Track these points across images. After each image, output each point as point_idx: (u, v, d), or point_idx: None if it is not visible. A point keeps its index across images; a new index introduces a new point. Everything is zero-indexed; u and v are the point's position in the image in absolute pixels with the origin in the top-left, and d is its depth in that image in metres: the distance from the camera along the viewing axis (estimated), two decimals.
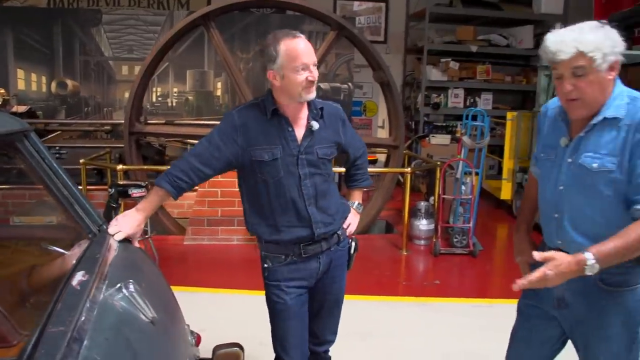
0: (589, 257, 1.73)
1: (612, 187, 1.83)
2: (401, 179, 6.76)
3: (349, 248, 2.47)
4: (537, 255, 1.80)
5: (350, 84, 9.21)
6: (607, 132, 1.85)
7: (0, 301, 1.92)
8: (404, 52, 10.36)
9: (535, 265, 2.07)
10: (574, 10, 9.32)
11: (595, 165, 1.85)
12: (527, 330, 2.19)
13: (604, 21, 1.82)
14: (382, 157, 7.98)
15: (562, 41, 1.79)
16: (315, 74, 2.16)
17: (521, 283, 1.79)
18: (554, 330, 2.11)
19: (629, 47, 7.41)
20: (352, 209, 2.54)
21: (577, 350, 2.08)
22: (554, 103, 2.10)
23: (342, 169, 2.70)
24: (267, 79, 2.21)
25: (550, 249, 2.00)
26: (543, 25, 10.13)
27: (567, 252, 1.86)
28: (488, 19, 9.61)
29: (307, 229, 2.26)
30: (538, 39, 9.90)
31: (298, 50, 2.12)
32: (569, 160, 1.93)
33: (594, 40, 1.76)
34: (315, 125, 2.25)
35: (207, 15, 6.08)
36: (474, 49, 9.17)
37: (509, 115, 7.26)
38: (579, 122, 1.92)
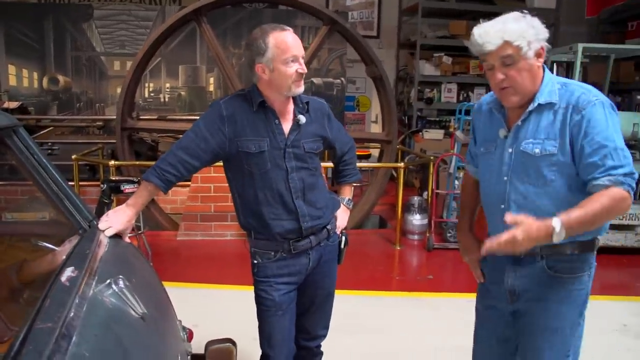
0: (556, 223, 1.75)
1: (555, 171, 1.88)
2: (394, 174, 6.76)
3: (339, 243, 2.47)
4: (508, 217, 1.79)
5: (343, 79, 9.20)
6: (544, 117, 1.90)
7: None
8: (397, 47, 10.36)
9: (485, 260, 2.17)
10: (567, 5, 9.35)
11: (537, 150, 1.89)
12: (486, 330, 2.22)
13: (526, 12, 1.88)
14: (375, 152, 7.98)
15: (488, 33, 1.85)
16: (304, 66, 2.17)
17: (489, 245, 1.80)
18: (512, 329, 2.12)
19: (621, 42, 7.46)
20: (342, 205, 2.54)
21: (520, 341, 2.10)
22: (487, 98, 2.15)
23: (331, 165, 2.69)
24: (254, 73, 2.20)
25: None
26: None
27: None
28: (481, 13, 9.53)
29: (294, 222, 2.25)
30: None
31: (288, 43, 2.12)
32: (510, 150, 1.97)
33: (517, 29, 1.82)
34: (303, 119, 2.25)
35: (199, 10, 6.06)
36: (467, 43, 9.16)
37: None
38: (515, 111, 1.97)
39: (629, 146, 5.78)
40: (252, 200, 2.26)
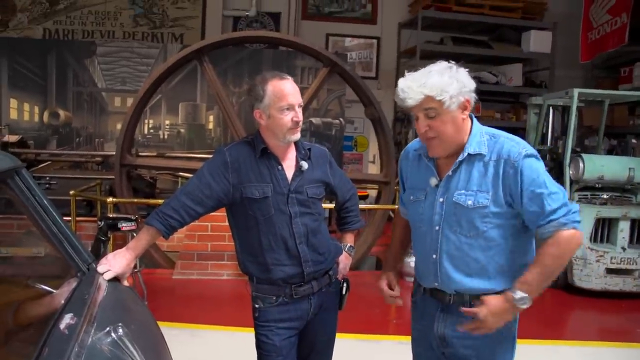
0: (515, 292, 1.85)
1: (488, 222, 1.91)
2: (392, 215, 6.76)
3: (341, 289, 2.46)
4: (465, 310, 1.92)
5: (341, 119, 9.28)
6: (475, 168, 1.93)
7: None
8: (395, 88, 10.48)
9: (415, 304, 2.19)
10: (562, 50, 9.54)
11: (470, 202, 1.92)
12: None
13: (452, 62, 1.92)
14: (373, 193, 7.99)
15: (410, 87, 1.89)
16: (300, 115, 2.21)
17: (463, 329, 1.92)
18: None
19: (614, 87, 7.59)
20: (344, 252, 2.54)
21: None
22: (414, 144, 2.16)
23: (332, 205, 2.70)
24: (255, 119, 2.25)
25: (425, 289, 2.10)
26: (532, 64, 10.35)
27: (444, 292, 2.01)
28: (478, 56, 9.79)
29: (296, 267, 2.25)
30: (527, 77, 10.09)
31: (285, 91, 2.17)
32: (441, 200, 1.98)
33: (439, 83, 1.85)
34: (305, 165, 2.28)
35: (201, 50, 6.15)
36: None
37: None
38: (445, 160, 1.99)
39: (625, 190, 5.86)
40: (254, 246, 2.26)
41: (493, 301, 1.88)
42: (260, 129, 2.27)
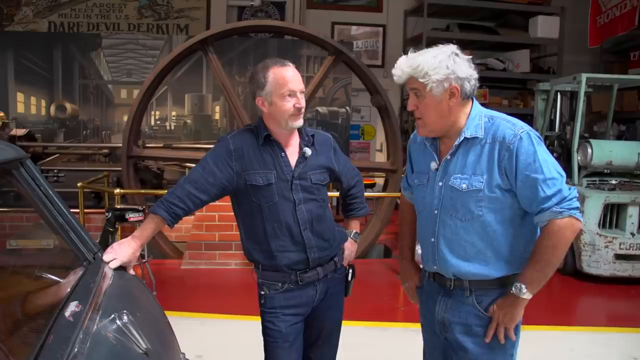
0: (514, 287, 1.88)
1: (483, 207, 1.89)
2: (399, 203, 6.74)
3: (347, 275, 2.46)
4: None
5: (347, 107, 9.26)
6: (471, 152, 1.91)
7: None
8: None
9: (422, 287, 2.21)
10: (570, 35, 9.44)
11: (464, 185, 1.90)
12: (434, 358, 2.20)
13: (455, 46, 1.90)
14: (380, 181, 7.97)
15: (400, 65, 1.90)
16: (302, 101, 2.20)
17: (488, 340, 1.95)
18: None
19: (624, 71, 7.49)
20: (349, 239, 2.53)
21: None
22: None
23: (336, 194, 2.69)
24: (257, 106, 2.25)
25: (429, 274, 2.11)
26: (539, 50, 10.25)
27: (445, 277, 2.01)
28: (485, 43, 9.71)
29: (301, 254, 2.25)
30: (534, 63, 10.00)
31: (286, 78, 2.17)
32: (440, 184, 1.97)
33: (426, 66, 1.83)
34: (308, 151, 2.27)
35: (206, 40, 6.13)
36: None
37: None
38: (446, 145, 1.98)
39: (634, 175, 5.82)
40: (259, 233, 2.26)
41: (499, 301, 1.92)
42: (263, 116, 2.27)
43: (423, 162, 2.08)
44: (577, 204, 1.85)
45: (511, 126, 1.88)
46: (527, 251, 1.92)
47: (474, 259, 1.93)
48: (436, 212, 1.98)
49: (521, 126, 1.89)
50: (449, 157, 1.96)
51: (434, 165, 2.00)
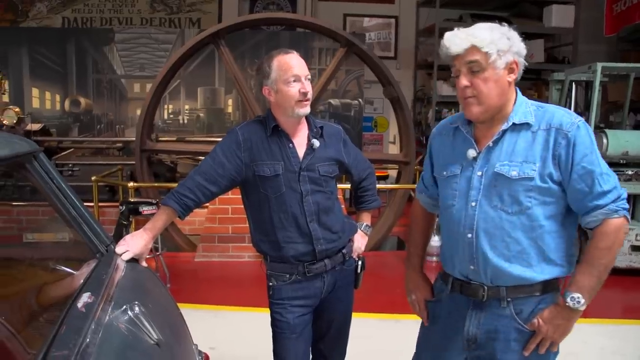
0: (567, 296, 1.74)
1: (532, 198, 1.74)
2: (413, 195, 6.72)
3: (356, 267, 2.45)
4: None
5: (360, 100, 9.22)
6: (520, 138, 1.77)
7: (10, 320, 1.92)
8: (414, 68, 10.38)
9: (432, 302, 2.04)
10: (585, 24, 9.30)
11: (514, 172, 1.74)
12: None
13: (506, 24, 1.77)
14: (393, 173, 7.95)
15: (456, 35, 1.74)
16: (307, 87, 2.19)
17: (527, 353, 1.80)
18: None
19: (639, 60, 7.25)
20: (359, 231, 2.52)
21: None
22: (449, 119, 2.00)
23: (348, 186, 2.68)
24: (265, 97, 2.26)
25: (453, 285, 1.92)
26: (554, 39, 10.12)
27: (477, 286, 1.83)
28: None
29: (307, 245, 2.25)
30: (549, 53, 9.88)
31: (290, 63, 2.18)
32: (479, 173, 1.81)
33: (488, 36, 1.71)
34: (316, 143, 2.27)
35: (217, 33, 6.13)
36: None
37: None
38: (485, 132, 1.83)
39: None
40: (266, 224, 2.27)
41: (545, 311, 1.77)
42: (270, 107, 2.28)
43: (453, 153, 1.90)
44: (625, 204, 1.74)
45: (567, 114, 1.76)
46: (569, 254, 1.81)
47: (516, 259, 1.77)
48: (474, 204, 1.80)
49: (576, 115, 1.77)
50: (491, 144, 1.79)
51: (472, 153, 1.83)
